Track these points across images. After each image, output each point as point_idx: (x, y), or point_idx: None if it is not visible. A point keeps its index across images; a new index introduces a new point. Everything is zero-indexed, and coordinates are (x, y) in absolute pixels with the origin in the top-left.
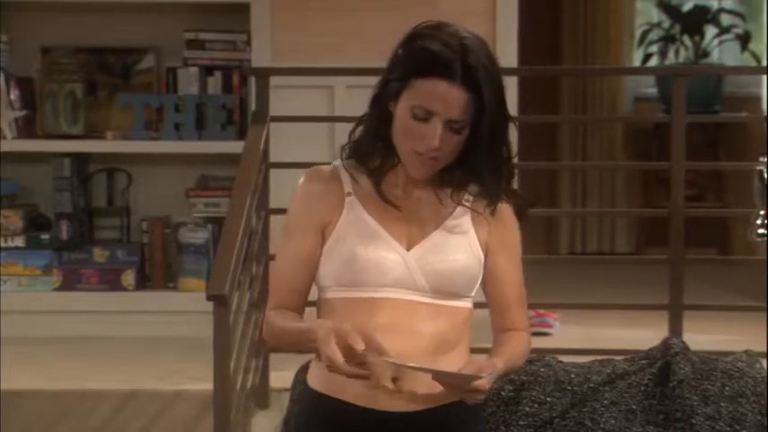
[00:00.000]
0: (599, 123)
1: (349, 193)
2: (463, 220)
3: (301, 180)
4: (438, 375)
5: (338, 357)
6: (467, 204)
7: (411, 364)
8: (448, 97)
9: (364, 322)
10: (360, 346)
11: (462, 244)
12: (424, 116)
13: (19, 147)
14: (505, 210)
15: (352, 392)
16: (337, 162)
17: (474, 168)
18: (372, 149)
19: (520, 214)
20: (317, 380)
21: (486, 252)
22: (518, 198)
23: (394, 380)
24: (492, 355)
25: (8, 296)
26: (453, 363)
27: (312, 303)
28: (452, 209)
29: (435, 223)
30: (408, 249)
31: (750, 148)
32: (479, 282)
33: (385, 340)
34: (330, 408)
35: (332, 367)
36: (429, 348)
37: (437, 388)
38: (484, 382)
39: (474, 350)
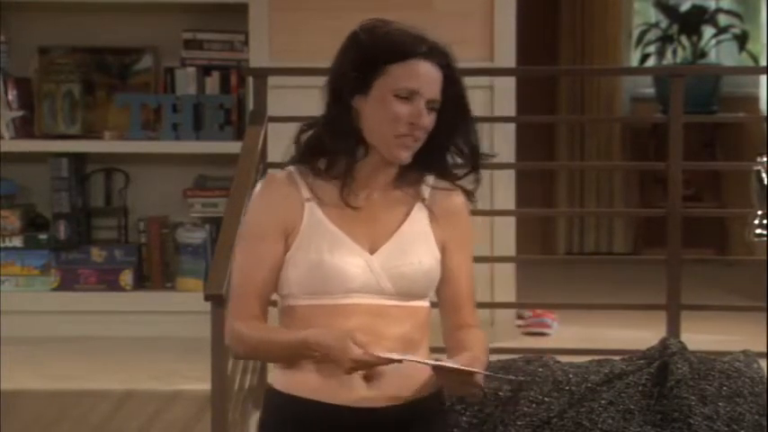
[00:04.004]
0: (596, 123)
1: (308, 199)
2: (421, 220)
3: (258, 187)
4: (438, 369)
5: (367, 357)
6: (425, 201)
7: (413, 359)
8: (429, 75)
9: (331, 327)
10: (378, 350)
11: (423, 245)
12: (407, 96)
13: (17, 147)
14: (461, 206)
15: (317, 389)
16: (291, 168)
17: (439, 150)
18: (339, 148)
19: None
20: (280, 381)
21: (443, 250)
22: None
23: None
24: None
25: (6, 296)
26: None
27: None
28: (410, 209)
29: (395, 225)
30: (371, 253)
31: (748, 148)
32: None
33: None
34: (294, 407)
35: (358, 367)
36: (396, 349)
37: (405, 384)
38: (481, 377)
39: (433, 350)
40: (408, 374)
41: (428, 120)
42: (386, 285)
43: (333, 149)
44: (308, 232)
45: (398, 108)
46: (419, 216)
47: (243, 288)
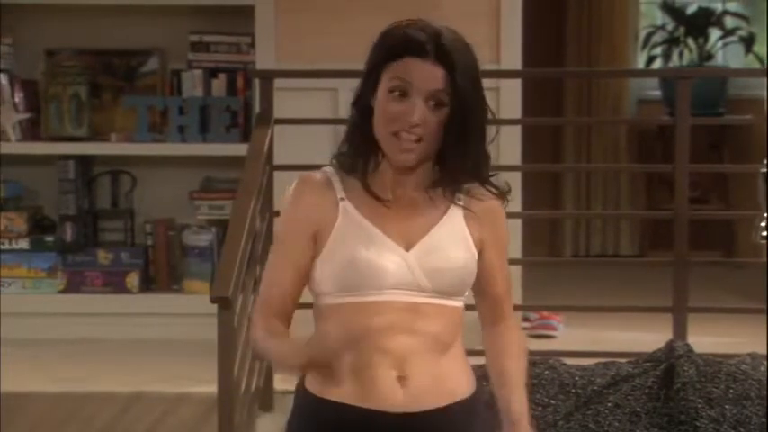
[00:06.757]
0: (603, 125)
1: (342, 199)
2: (457, 218)
3: (293, 187)
4: None
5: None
6: (460, 203)
7: None
8: (422, 71)
9: (366, 324)
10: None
11: (459, 242)
12: (402, 92)
13: (24, 149)
14: (497, 207)
15: (351, 393)
16: (327, 168)
17: (463, 155)
18: (357, 148)
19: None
20: (313, 383)
21: (481, 249)
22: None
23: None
24: (506, 386)
25: (12, 298)
26: (450, 362)
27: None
28: (446, 208)
29: (430, 223)
30: (407, 250)
31: (754, 151)
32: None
33: (385, 340)
34: (326, 410)
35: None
36: (427, 347)
37: (442, 388)
38: None
39: (469, 353)
40: (444, 377)
41: (428, 120)
42: (422, 281)
43: (353, 150)
44: (343, 230)
45: (392, 107)
46: (455, 215)
47: (268, 288)
